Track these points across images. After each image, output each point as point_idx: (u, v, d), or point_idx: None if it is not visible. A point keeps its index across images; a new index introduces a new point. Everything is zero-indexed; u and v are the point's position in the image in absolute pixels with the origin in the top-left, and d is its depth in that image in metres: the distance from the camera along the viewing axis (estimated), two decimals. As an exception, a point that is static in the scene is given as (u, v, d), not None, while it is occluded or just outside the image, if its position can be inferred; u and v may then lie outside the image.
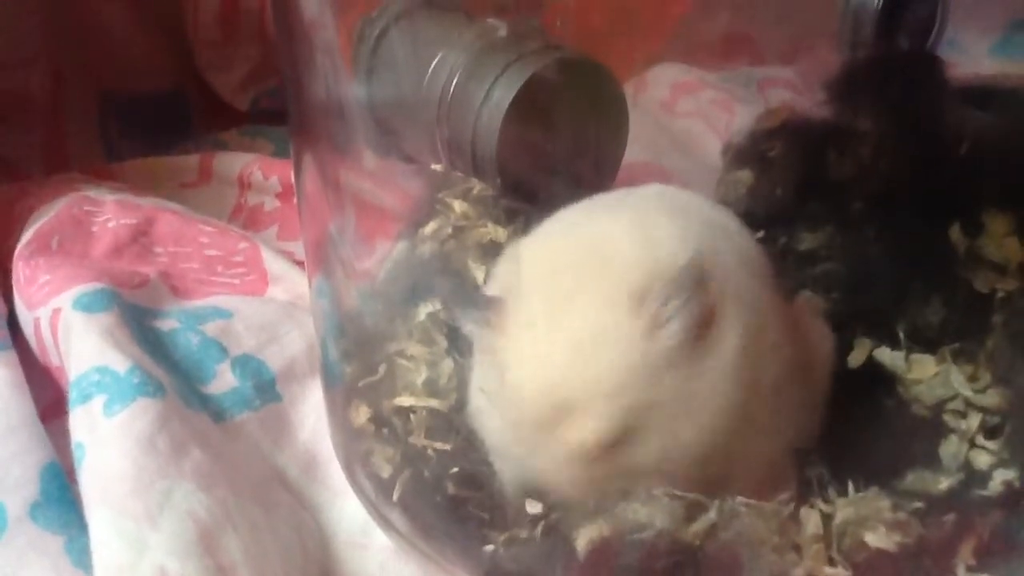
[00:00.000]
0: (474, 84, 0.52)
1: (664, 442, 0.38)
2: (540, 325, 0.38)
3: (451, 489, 0.44)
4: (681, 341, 0.37)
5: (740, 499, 0.39)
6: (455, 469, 0.44)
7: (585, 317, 0.38)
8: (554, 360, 0.38)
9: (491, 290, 0.44)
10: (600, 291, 0.38)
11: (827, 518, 0.39)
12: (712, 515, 0.38)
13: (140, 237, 0.68)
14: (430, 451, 0.45)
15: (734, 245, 0.43)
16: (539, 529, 0.41)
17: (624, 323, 0.37)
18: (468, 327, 0.41)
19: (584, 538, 0.39)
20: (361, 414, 0.48)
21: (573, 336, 0.38)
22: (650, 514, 0.38)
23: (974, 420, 0.43)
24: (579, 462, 0.38)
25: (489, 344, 0.40)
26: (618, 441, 0.38)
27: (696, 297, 0.37)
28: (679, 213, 0.43)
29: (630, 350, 0.37)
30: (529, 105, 0.51)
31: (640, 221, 0.41)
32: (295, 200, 0.75)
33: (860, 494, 0.40)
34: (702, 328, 0.37)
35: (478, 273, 0.50)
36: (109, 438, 0.48)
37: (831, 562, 0.38)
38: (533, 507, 0.42)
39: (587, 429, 0.37)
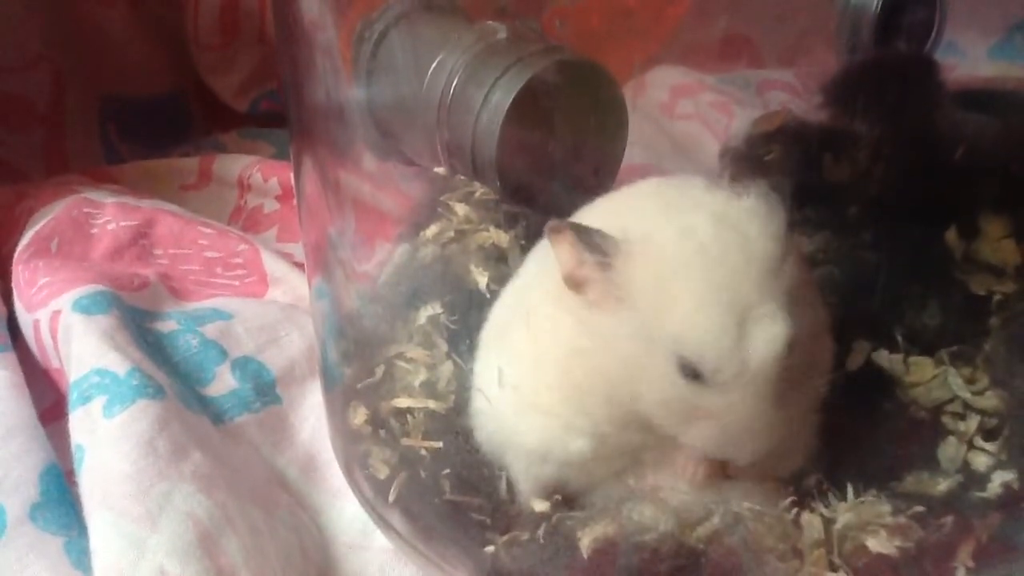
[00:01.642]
0: (473, 87, 0.52)
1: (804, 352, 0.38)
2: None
3: (447, 490, 0.44)
4: None
5: (746, 504, 0.39)
6: (450, 470, 0.45)
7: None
8: (730, 280, 0.37)
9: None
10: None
11: (828, 523, 0.39)
12: (716, 520, 0.39)
13: (140, 239, 0.69)
14: (424, 451, 0.45)
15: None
16: (542, 530, 0.41)
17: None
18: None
19: (588, 538, 0.39)
20: (359, 415, 0.48)
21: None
22: (654, 516, 0.38)
23: (972, 422, 0.43)
24: (769, 367, 0.37)
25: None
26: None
27: None
28: None
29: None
30: (529, 107, 0.51)
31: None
32: (295, 202, 0.75)
33: (861, 499, 0.40)
34: None
35: (480, 277, 0.50)
36: (109, 440, 0.48)
37: (832, 567, 0.38)
38: (541, 505, 0.43)
39: (775, 330, 0.37)
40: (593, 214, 0.42)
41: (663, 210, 0.39)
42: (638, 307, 0.38)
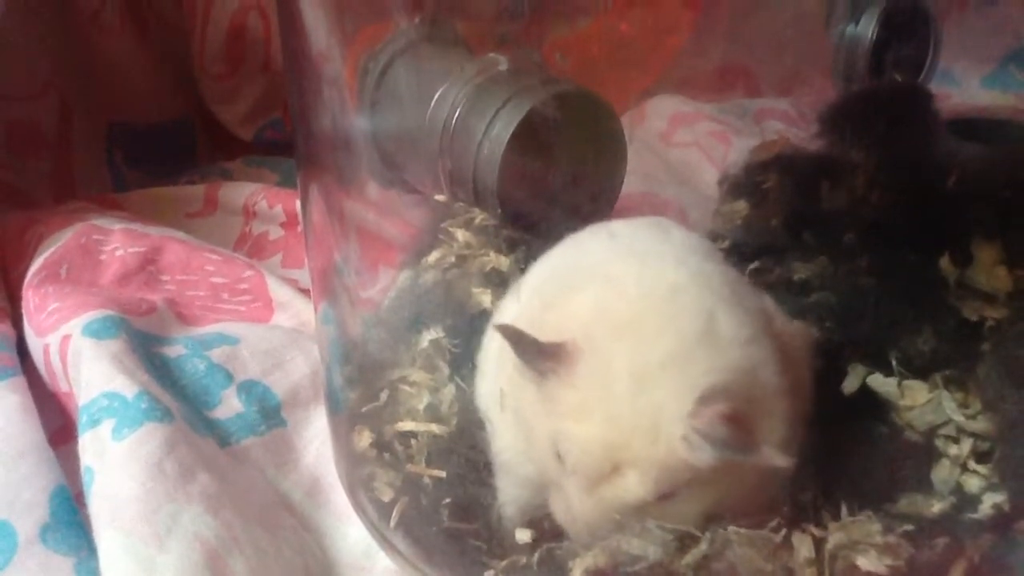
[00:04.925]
0: (475, 117, 0.53)
1: (695, 504, 0.39)
2: (618, 389, 0.38)
3: (447, 518, 0.45)
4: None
5: (732, 528, 0.39)
6: (450, 500, 0.45)
7: (658, 388, 0.38)
8: (624, 423, 0.38)
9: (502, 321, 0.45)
10: (674, 363, 0.38)
11: (819, 542, 0.40)
12: (704, 547, 0.39)
13: (148, 265, 0.70)
14: (426, 479, 0.46)
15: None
16: (536, 557, 0.41)
17: (688, 403, 0.37)
18: (525, 373, 0.40)
19: (579, 568, 0.39)
20: (364, 439, 0.49)
21: (647, 404, 0.38)
22: (643, 546, 0.39)
23: (965, 445, 0.44)
24: (612, 512, 0.39)
25: (546, 391, 0.40)
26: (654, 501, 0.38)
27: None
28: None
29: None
30: (529, 137, 0.52)
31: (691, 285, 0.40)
32: (299, 229, 0.76)
33: (852, 518, 0.41)
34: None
35: (483, 297, 0.50)
36: (118, 462, 0.49)
37: (823, 585, 0.39)
38: (523, 535, 0.43)
39: (632, 489, 0.38)
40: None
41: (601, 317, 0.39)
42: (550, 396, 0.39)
